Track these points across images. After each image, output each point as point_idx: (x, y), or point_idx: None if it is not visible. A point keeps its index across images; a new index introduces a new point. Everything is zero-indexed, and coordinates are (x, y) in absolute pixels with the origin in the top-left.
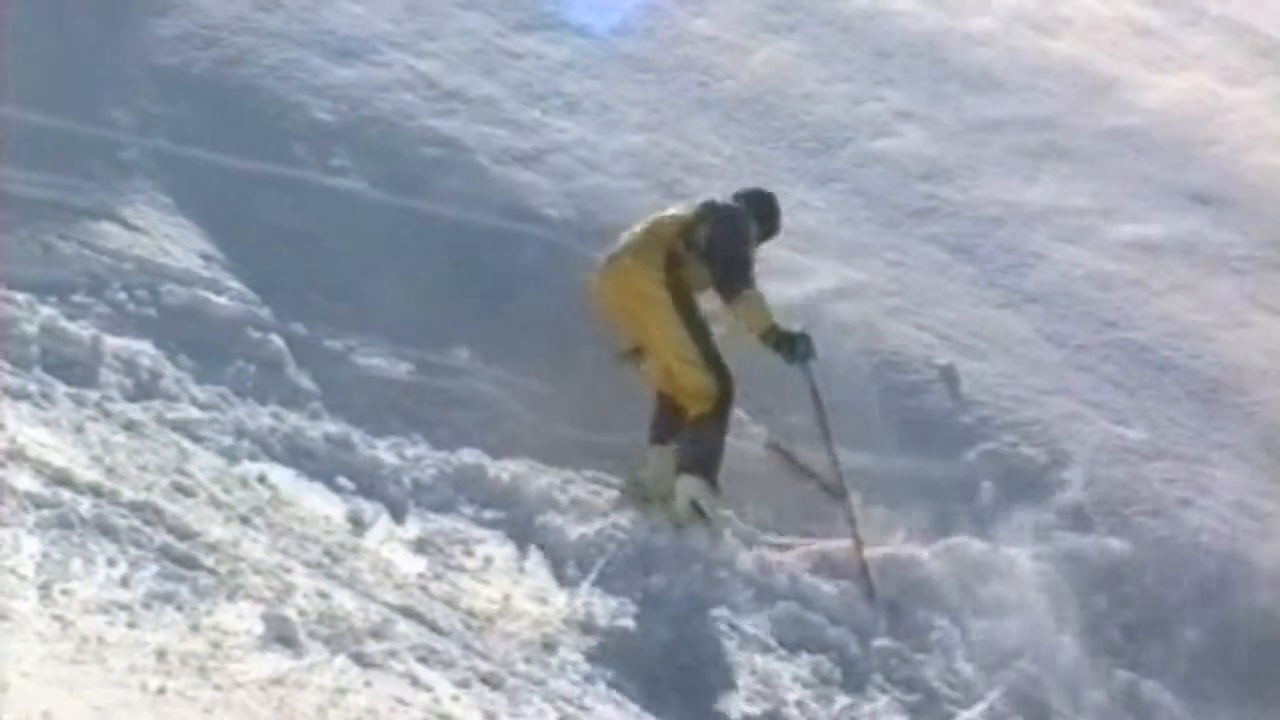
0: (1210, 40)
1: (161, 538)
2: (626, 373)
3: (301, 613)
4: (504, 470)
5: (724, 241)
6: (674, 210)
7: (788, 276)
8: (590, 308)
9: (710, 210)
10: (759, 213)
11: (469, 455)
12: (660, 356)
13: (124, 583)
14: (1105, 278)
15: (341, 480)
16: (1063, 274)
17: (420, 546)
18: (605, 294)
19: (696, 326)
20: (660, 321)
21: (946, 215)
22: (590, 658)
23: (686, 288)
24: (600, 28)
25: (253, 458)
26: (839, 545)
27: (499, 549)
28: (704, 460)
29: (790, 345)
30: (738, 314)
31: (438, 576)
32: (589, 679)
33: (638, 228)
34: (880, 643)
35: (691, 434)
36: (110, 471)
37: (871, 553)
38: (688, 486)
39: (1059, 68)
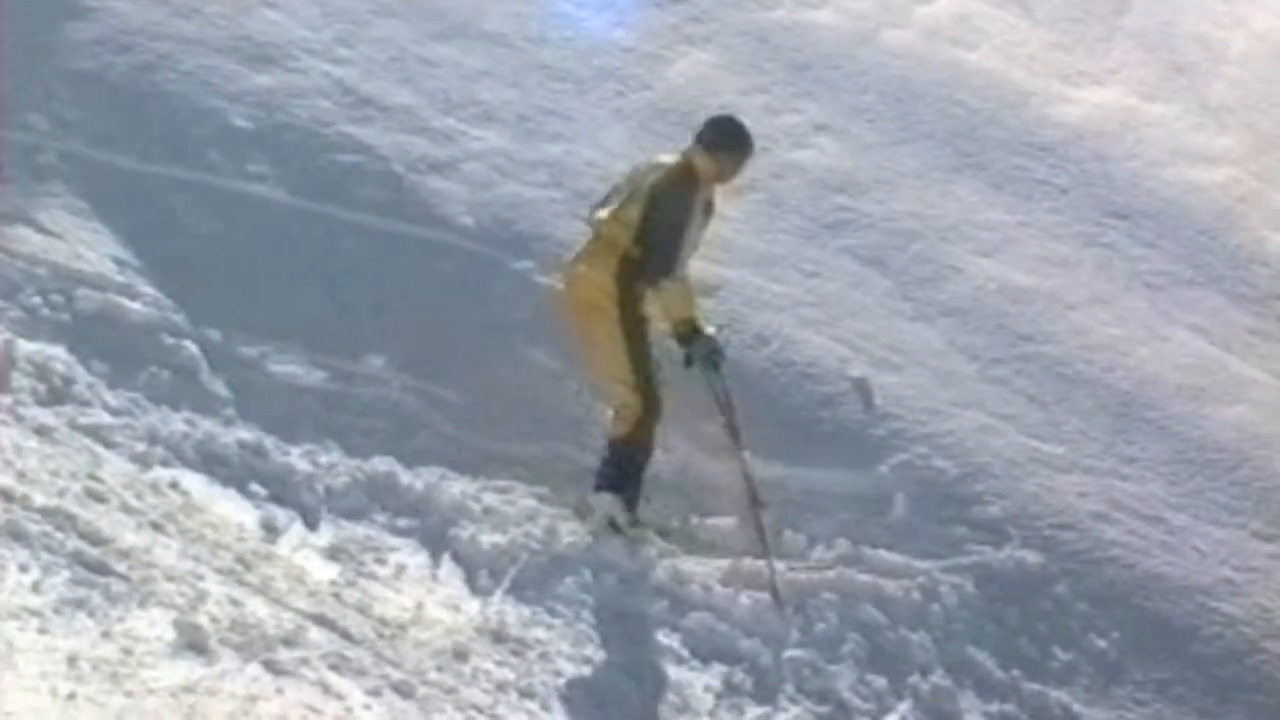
0: (1126, 56)
1: (73, 543)
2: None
3: (213, 620)
4: (417, 478)
5: (651, 231)
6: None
7: (703, 287)
8: (550, 312)
9: (650, 194)
10: (722, 143)
11: (382, 463)
12: (599, 370)
13: (35, 588)
14: (1020, 291)
15: (254, 487)
16: (977, 287)
17: (333, 554)
18: (562, 303)
19: (637, 345)
20: (604, 336)
21: (862, 227)
22: (502, 666)
23: (635, 299)
24: (595, 26)
25: (165, 464)
26: (752, 561)
27: (412, 557)
28: (622, 478)
29: (690, 346)
30: (659, 304)
31: (350, 584)
32: (501, 688)
33: (603, 213)
34: (792, 653)
35: (612, 451)
36: (22, 477)
37: (783, 564)
38: (604, 504)
39: (975, 81)
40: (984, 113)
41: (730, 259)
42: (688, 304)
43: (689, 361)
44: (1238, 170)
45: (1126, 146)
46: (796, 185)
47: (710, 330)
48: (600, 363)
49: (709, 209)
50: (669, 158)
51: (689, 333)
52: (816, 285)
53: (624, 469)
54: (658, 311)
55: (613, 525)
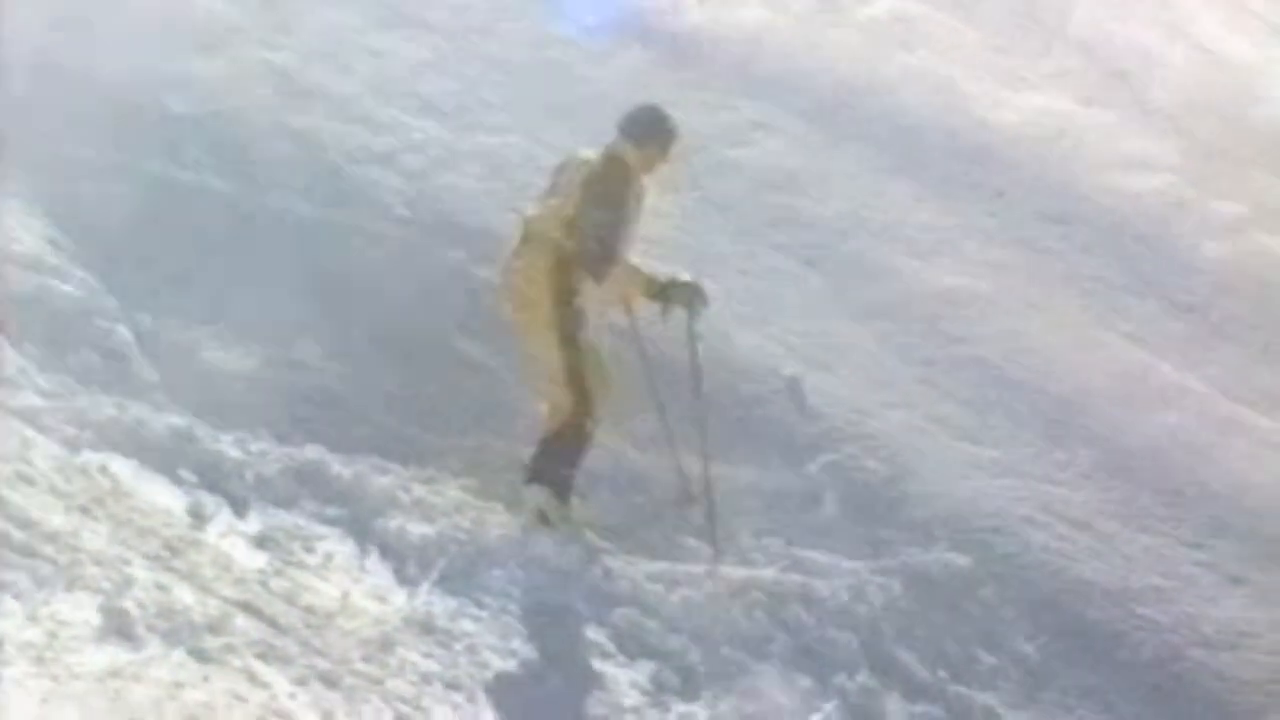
0: (1066, 61)
1: (1, 525)
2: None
3: (140, 605)
4: (347, 467)
5: (588, 229)
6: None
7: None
8: (485, 304)
9: (584, 191)
10: (646, 133)
11: (312, 451)
12: (533, 364)
13: None
14: (954, 294)
15: (184, 473)
16: (911, 289)
17: (261, 542)
18: (498, 296)
19: (571, 341)
20: (539, 331)
21: (798, 226)
22: (428, 658)
23: (571, 294)
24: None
25: (95, 448)
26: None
27: (340, 546)
28: (555, 471)
29: (668, 295)
30: (616, 295)
31: (278, 572)
32: (427, 679)
33: (534, 210)
34: (719, 651)
35: (545, 446)
36: None
37: (704, 569)
38: (536, 495)
39: (914, 83)
40: (922, 115)
41: (665, 256)
42: (637, 275)
43: (666, 306)
44: (1175, 177)
45: (1064, 151)
46: (733, 183)
47: (685, 277)
48: (534, 357)
49: (640, 201)
50: (592, 153)
51: (659, 289)
52: (751, 283)
53: (556, 463)
54: (612, 299)
55: (543, 518)
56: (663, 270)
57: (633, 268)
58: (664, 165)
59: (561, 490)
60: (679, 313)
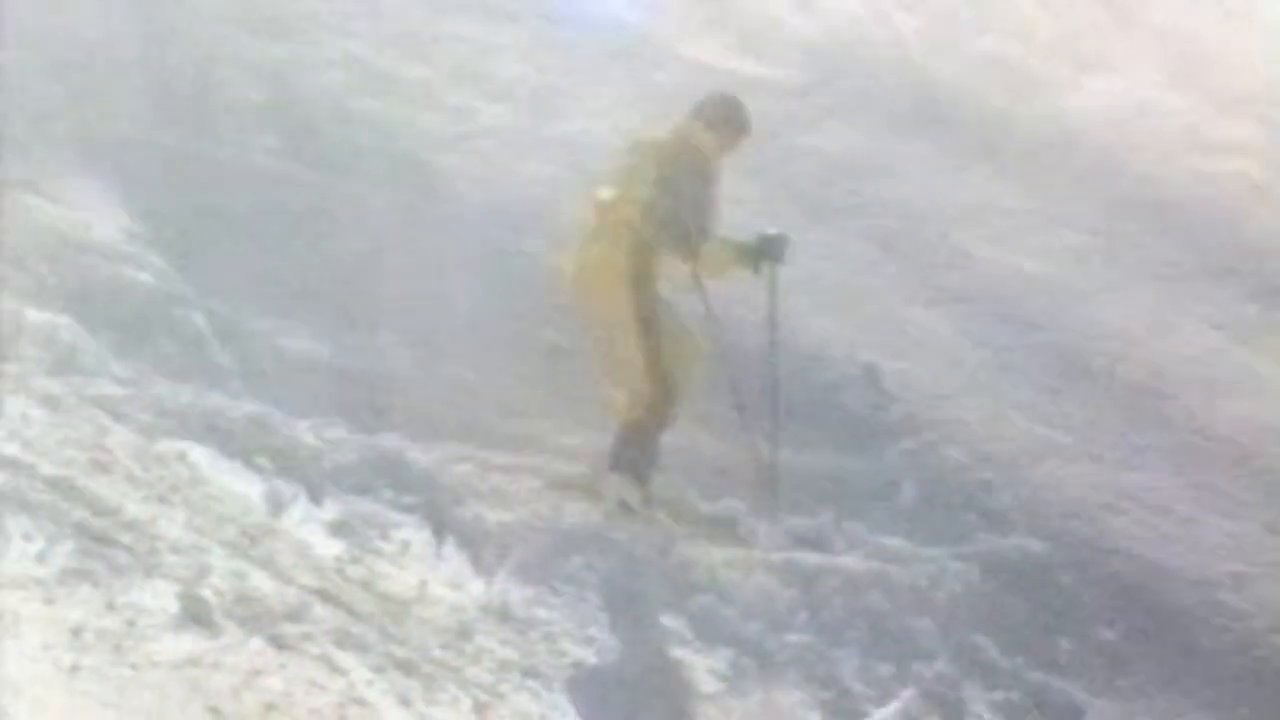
0: (1142, 44)
1: (79, 514)
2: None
3: (218, 593)
4: (424, 455)
5: (668, 213)
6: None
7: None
8: (560, 292)
9: (660, 174)
10: (718, 117)
11: (389, 439)
12: (611, 352)
13: (40, 558)
14: (1030, 279)
15: (260, 460)
16: (988, 274)
17: (338, 529)
18: (574, 284)
19: (650, 327)
20: (617, 318)
21: (873, 212)
22: (505, 645)
23: (649, 280)
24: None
25: (172, 435)
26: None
27: (416, 534)
28: (635, 460)
29: (765, 249)
30: (712, 269)
31: (355, 560)
32: (504, 667)
33: (607, 194)
34: (796, 638)
35: (625, 434)
36: (28, 446)
37: (783, 555)
38: (617, 485)
39: (991, 67)
40: (998, 99)
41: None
42: (728, 245)
43: (759, 265)
44: (1252, 161)
45: (1141, 136)
46: (808, 169)
47: (770, 231)
48: (612, 344)
49: (716, 182)
50: (664, 135)
51: (753, 252)
52: (827, 269)
53: (636, 451)
54: (710, 274)
55: (626, 508)
56: (745, 235)
57: (721, 240)
58: (733, 153)
59: (642, 478)
60: (767, 268)
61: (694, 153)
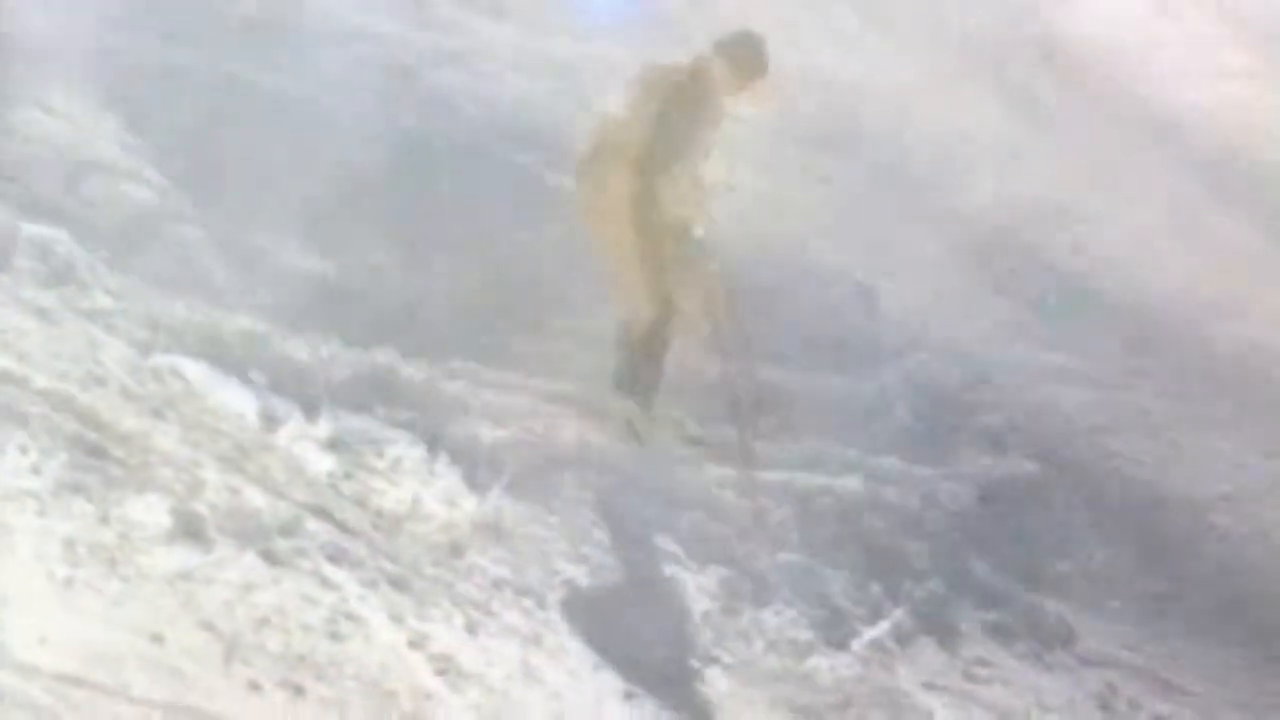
0: None
1: (72, 427)
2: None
3: (211, 507)
4: (417, 371)
5: (664, 135)
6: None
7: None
8: (558, 210)
9: (665, 105)
10: (739, 54)
11: (382, 355)
12: (611, 270)
13: (34, 470)
14: (1030, 203)
15: (255, 376)
16: (987, 198)
17: (331, 445)
18: (579, 205)
19: (649, 251)
20: (616, 241)
21: (871, 136)
22: (498, 563)
23: (649, 204)
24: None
25: (166, 350)
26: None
27: (410, 450)
28: (638, 382)
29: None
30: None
31: (348, 476)
32: (496, 584)
33: (613, 115)
34: (788, 558)
35: (628, 355)
36: (22, 358)
37: (775, 475)
38: (623, 408)
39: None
40: (996, 22)
41: (738, 163)
42: (701, 192)
43: None
44: (1255, 87)
45: (1142, 60)
46: (807, 92)
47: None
48: (613, 265)
49: (718, 115)
50: (679, 66)
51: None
52: (824, 192)
53: (639, 373)
54: (689, 213)
55: (632, 431)
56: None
57: (700, 185)
58: (748, 93)
59: (645, 401)
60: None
61: (703, 84)
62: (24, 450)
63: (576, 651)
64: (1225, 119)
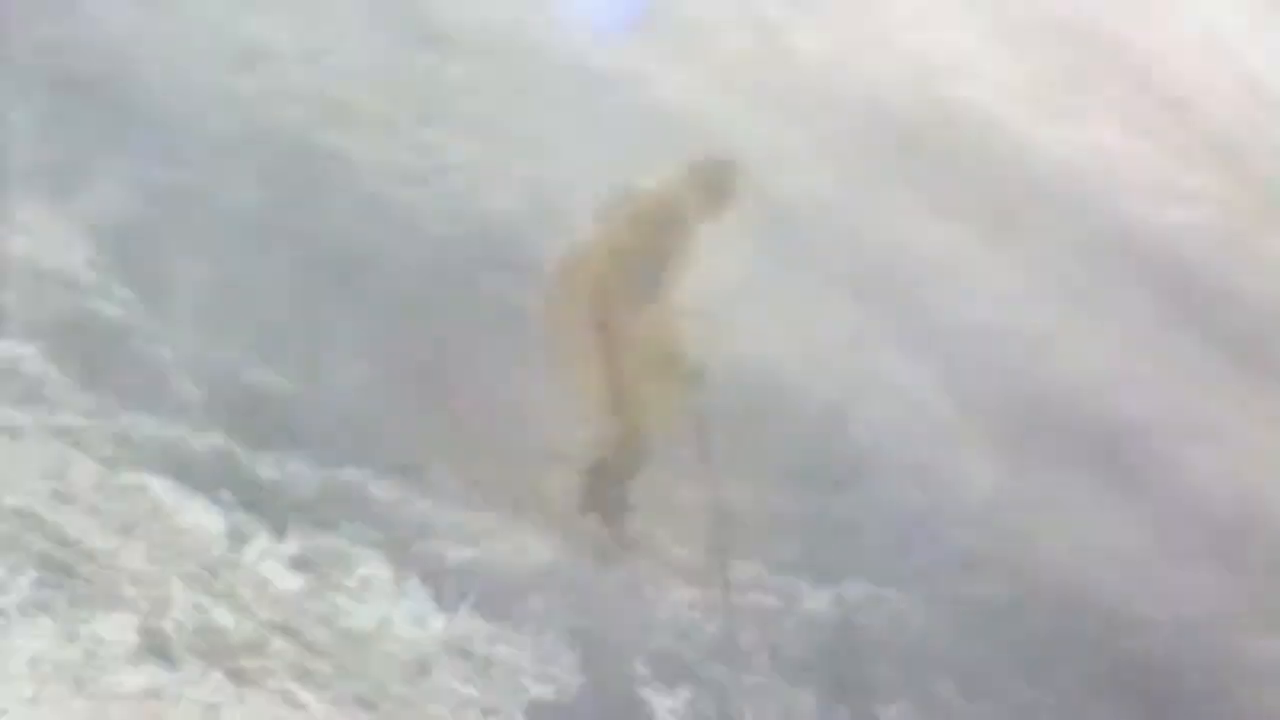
0: (1114, 92)
1: (40, 544)
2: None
3: (178, 626)
4: (386, 491)
5: (634, 262)
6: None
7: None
8: (526, 329)
9: (634, 225)
10: (713, 184)
11: (351, 474)
12: (580, 390)
13: (1, 588)
14: (996, 328)
15: (223, 493)
16: (954, 322)
17: (299, 564)
18: (541, 320)
19: (614, 371)
20: (582, 359)
21: (842, 257)
22: (466, 683)
23: (614, 325)
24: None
25: (134, 467)
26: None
27: (378, 569)
28: (606, 501)
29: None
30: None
31: (315, 594)
32: (464, 704)
33: (588, 234)
34: (756, 679)
35: (594, 475)
36: None
37: (745, 596)
38: (590, 529)
39: (959, 114)
40: (966, 145)
41: (707, 283)
42: (669, 328)
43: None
44: (1218, 211)
45: (1107, 184)
46: (778, 212)
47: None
48: (579, 384)
49: (687, 241)
50: (650, 192)
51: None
52: (794, 312)
53: (606, 492)
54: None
55: (600, 552)
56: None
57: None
58: (718, 218)
59: (614, 522)
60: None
61: (673, 216)
62: None
63: None
64: (1188, 242)
